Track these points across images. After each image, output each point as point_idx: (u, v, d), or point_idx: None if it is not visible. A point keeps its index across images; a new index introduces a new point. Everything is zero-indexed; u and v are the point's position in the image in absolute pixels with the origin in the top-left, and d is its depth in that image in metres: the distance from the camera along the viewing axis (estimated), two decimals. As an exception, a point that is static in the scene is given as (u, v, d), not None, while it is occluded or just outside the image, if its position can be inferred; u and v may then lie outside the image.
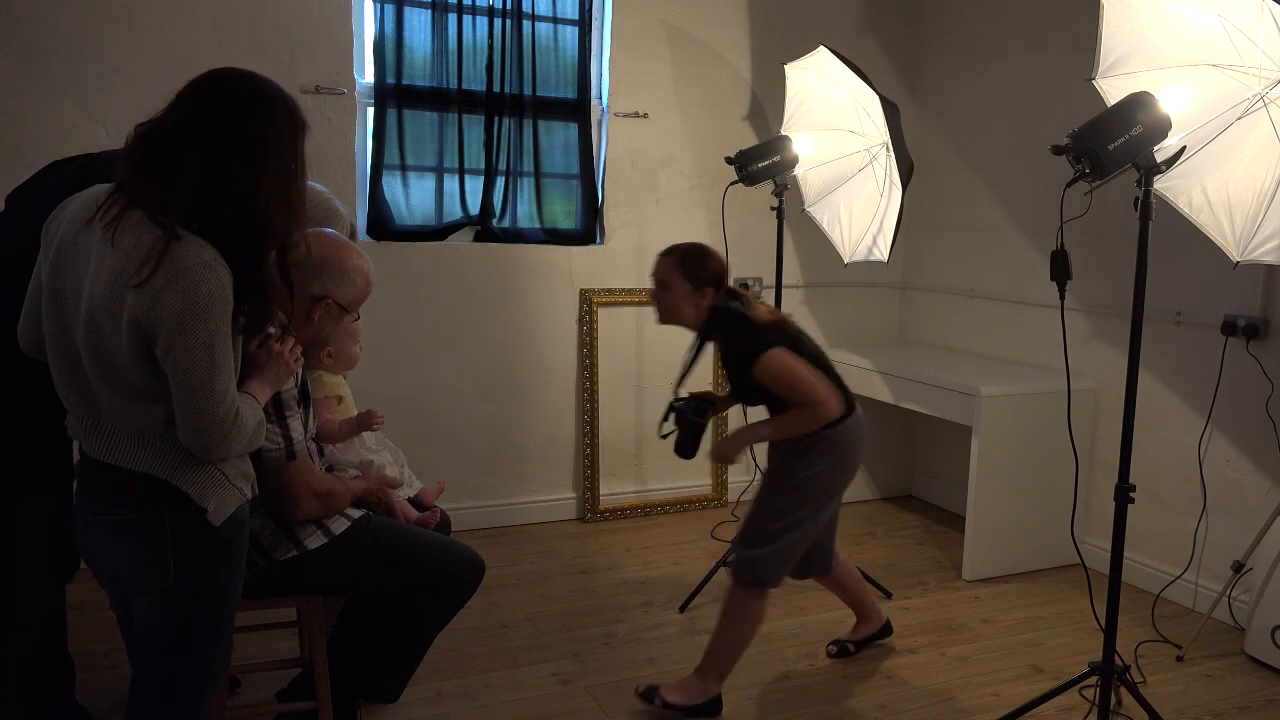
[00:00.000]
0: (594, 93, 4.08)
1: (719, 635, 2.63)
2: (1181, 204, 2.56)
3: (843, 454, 2.59)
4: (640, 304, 4.25)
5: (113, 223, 1.59)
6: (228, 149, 1.62)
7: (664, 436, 2.77)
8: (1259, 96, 2.40)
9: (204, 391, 1.57)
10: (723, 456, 2.68)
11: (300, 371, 2.04)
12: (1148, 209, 2.25)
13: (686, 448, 2.71)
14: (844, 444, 2.58)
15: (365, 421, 2.36)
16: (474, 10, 3.80)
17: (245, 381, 1.74)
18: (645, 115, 4.16)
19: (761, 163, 3.41)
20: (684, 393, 2.79)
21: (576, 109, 4.02)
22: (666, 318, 2.67)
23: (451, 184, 3.90)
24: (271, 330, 1.86)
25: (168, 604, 1.70)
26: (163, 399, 1.61)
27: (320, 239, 2.04)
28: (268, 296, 1.69)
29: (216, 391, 1.58)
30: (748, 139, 4.20)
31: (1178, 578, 3.38)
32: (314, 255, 1.98)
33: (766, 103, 4.34)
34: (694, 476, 4.46)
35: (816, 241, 4.06)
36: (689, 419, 2.69)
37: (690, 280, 2.60)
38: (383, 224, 3.78)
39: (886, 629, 3.08)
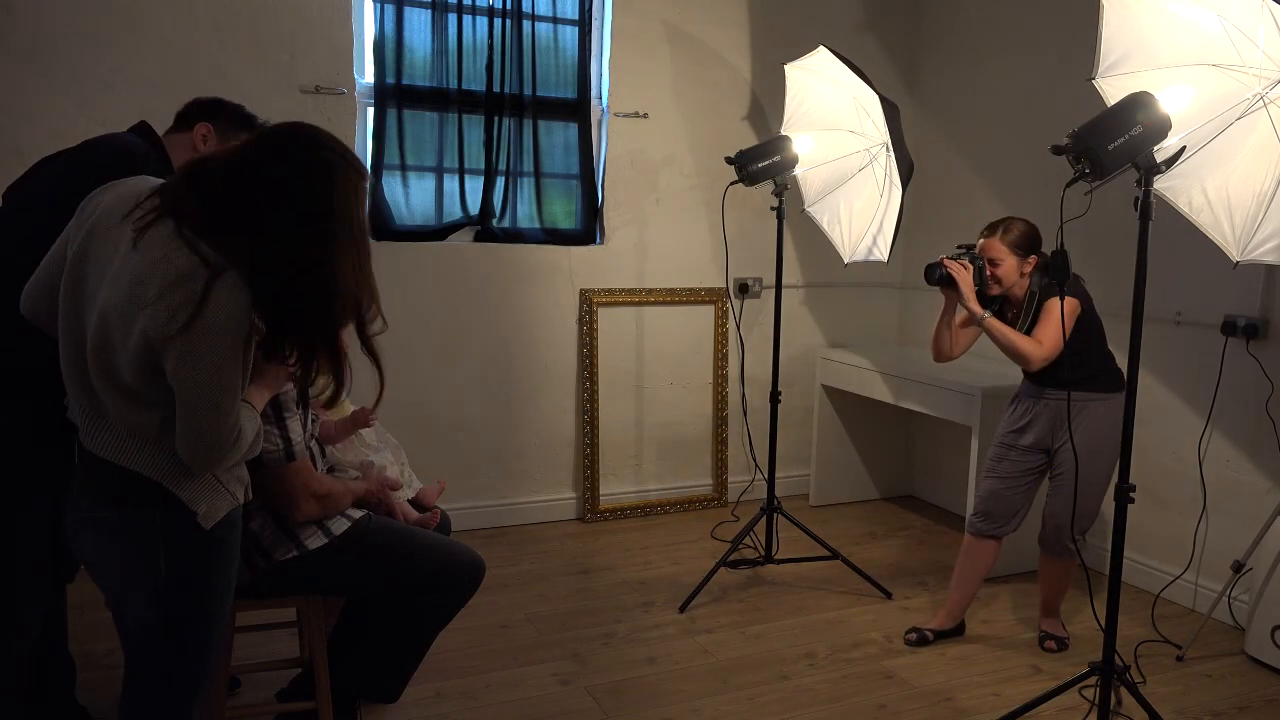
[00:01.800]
0: (594, 93, 4.08)
1: (1059, 591, 3.09)
2: (1181, 204, 2.56)
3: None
4: (640, 304, 4.25)
5: (143, 230, 1.57)
6: (300, 220, 1.59)
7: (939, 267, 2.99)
8: (1259, 96, 2.40)
9: (209, 411, 1.55)
10: (955, 273, 2.93)
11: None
12: (1148, 209, 2.25)
13: (950, 278, 2.97)
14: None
15: (360, 419, 2.36)
16: (474, 10, 3.80)
17: None
18: (645, 115, 4.16)
19: (761, 163, 3.40)
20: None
21: (576, 109, 4.02)
22: (998, 288, 2.96)
23: (451, 184, 3.90)
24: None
25: (159, 602, 1.69)
26: (158, 406, 1.60)
27: None
28: (340, 368, 1.67)
29: (221, 411, 1.56)
30: (748, 139, 4.20)
31: (1178, 578, 3.38)
32: None
33: (766, 103, 4.34)
34: (694, 477, 4.46)
35: (816, 241, 4.06)
36: (980, 263, 2.98)
37: (1016, 252, 2.92)
38: (383, 224, 3.78)
39: (961, 628, 3.19)
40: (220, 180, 1.61)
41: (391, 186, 3.79)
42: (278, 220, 1.59)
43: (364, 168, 1.71)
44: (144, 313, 1.52)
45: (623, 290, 4.21)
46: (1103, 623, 2.47)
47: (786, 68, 3.80)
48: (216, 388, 1.55)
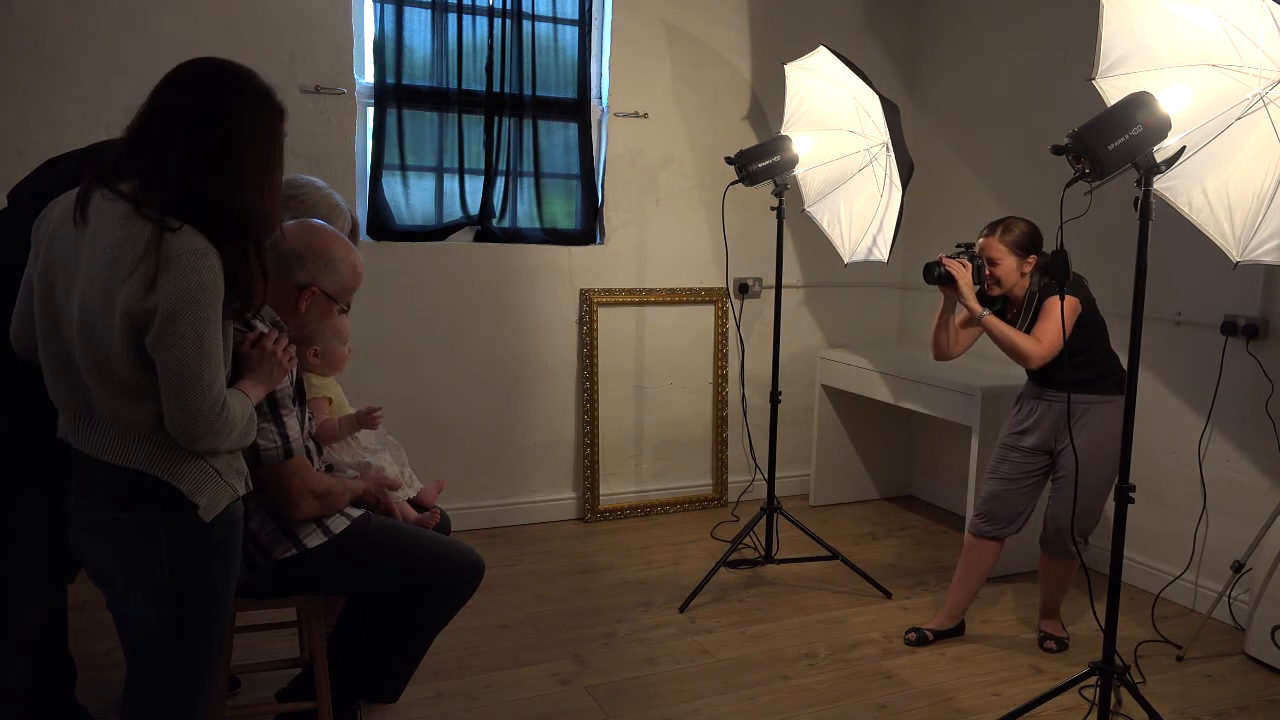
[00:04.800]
0: (594, 93, 4.08)
1: (1059, 591, 3.09)
2: (1181, 204, 2.56)
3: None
4: (640, 304, 4.25)
5: (85, 211, 1.61)
6: (206, 141, 1.62)
7: (936, 265, 2.97)
8: (1259, 96, 2.40)
9: (192, 379, 1.57)
10: (954, 271, 2.91)
11: (295, 370, 2.03)
12: (1148, 209, 2.25)
13: (949, 277, 2.96)
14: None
15: (365, 418, 2.36)
16: (474, 10, 3.80)
17: (238, 381, 1.75)
18: (645, 115, 4.16)
19: (761, 163, 3.40)
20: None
21: (576, 109, 4.02)
22: (998, 289, 2.95)
23: (451, 184, 3.90)
24: (264, 329, 1.86)
25: (162, 603, 1.70)
26: (154, 396, 1.61)
27: (305, 228, 2.04)
28: (251, 288, 1.67)
29: (205, 379, 1.58)
30: (748, 139, 4.20)
31: (1178, 578, 3.38)
32: (298, 243, 1.99)
33: (766, 103, 4.34)
34: (694, 477, 4.46)
35: (816, 241, 4.06)
36: (979, 262, 2.96)
37: (1016, 251, 2.91)
38: (383, 224, 3.78)
39: (961, 628, 3.19)
40: (144, 140, 1.63)
41: (391, 186, 3.79)
42: (198, 146, 1.62)
43: (273, 90, 1.73)
44: (123, 286, 1.54)
45: (623, 290, 4.21)
46: (1103, 623, 2.47)
47: (786, 68, 3.80)
48: (198, 353, 1.56)
